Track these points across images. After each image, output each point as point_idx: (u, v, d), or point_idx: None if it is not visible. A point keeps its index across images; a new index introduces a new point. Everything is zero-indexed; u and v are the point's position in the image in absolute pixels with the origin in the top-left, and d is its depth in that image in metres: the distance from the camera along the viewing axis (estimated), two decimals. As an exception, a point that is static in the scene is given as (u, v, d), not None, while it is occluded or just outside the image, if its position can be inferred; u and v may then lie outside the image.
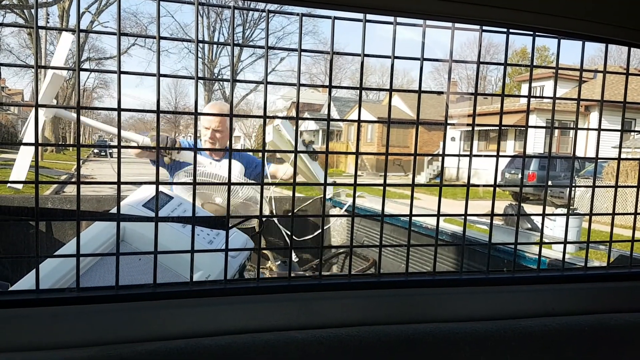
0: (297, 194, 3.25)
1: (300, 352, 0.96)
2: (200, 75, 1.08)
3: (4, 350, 0.87)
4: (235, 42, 0.98)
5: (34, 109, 0.88)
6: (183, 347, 0.91)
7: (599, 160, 1.24)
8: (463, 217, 1.17)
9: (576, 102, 1.20)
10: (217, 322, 0.98)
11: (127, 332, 0.94)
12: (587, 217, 1.25)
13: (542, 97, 1.22)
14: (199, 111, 0.96)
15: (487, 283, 1.17)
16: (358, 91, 1.05)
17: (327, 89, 1.03)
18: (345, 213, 3.55)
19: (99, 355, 0.87)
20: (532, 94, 1.15)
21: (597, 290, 1.24)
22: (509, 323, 1.11)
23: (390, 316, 1.08)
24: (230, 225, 1.11)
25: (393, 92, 1.08)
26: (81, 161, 0.96)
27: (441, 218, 1.16)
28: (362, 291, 1.09)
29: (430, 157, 28.78)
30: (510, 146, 25.17)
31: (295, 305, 1.03)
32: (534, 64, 1.16)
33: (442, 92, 1.15)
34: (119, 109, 0.91)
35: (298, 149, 1.01)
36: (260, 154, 3.40)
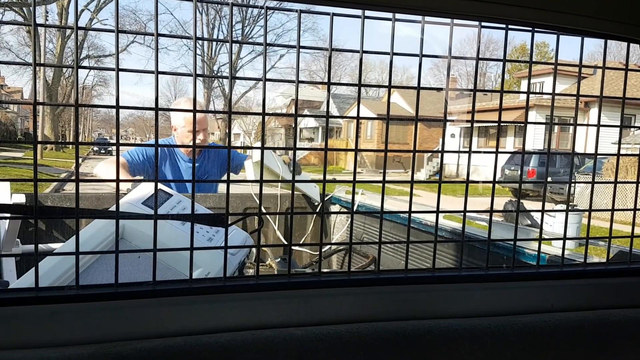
0: (296, 192, 3.25)
1: (299, 349, 0.96)
2: (199, 72, 1.09)
3: (3, 348, 0.87)
4: (234, 39, 0.98)
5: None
6: (182, 344, 0.91)
7: (598, 156, 1.24)
8: (462, 213, 1.17)
9: (575, 98, 1.20)
10: (216, 320, 0.98)
11: (126, 330, 0.94)
12: (587, 213, 1.24)
13: (542, 93, 1.22)
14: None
15: (486, 279, 1.17)
16: (357, 88, 1.05)
17: (327, 86, 1.02)
18: (345, 210, 3.56)
19: (99, 352, 0.87)
20: (531, 90, 1.15)
21: (597, 286, 1.24)
22: (509, 319, 1.11)
23: (390, 313, 1.08)
24: (229, 223, 1.11)
25: (392, 89, 1.08)
26: (80, 159, 0.96)
27: (440, 215, 1.16)
28: (361, 288, 1.09)
29: (429, 154, 28.78)
30: (510, 142, 25.17)
31: (294, 302, 1.03)
32: (533, 60, 1.16)
33: (441, 89, 1.15)
34: (118, 107, 0.91)
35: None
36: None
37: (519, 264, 1.83)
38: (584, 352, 1.13)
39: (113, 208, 1.21)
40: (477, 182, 1.23)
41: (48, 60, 38.48)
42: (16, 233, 2.32)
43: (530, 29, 1.10)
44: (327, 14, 0.98)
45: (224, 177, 3.31)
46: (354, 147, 1.07)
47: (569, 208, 1.27)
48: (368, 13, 0.99)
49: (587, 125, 1.23)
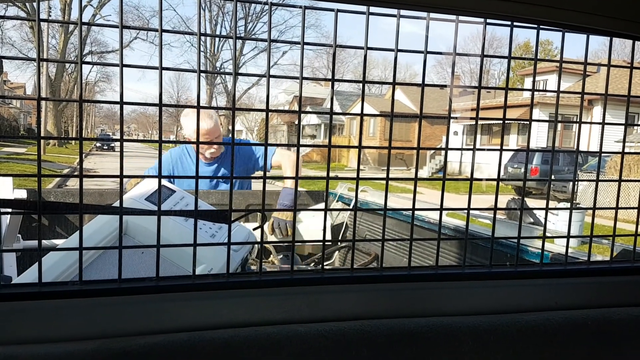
0: (299, 188, 3.25)
1: (302, 345, 0.96)
2: (202, 69, 1.08)
3: (6, 344, 0.87)
4: (238, 36, 0.98)
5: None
6: (185, 340, 0.92)
7: (602, 155, 1.24)
8: (466, 211, 1.17)
9: (579, 95, 1.19)
10: (219, 316, 0.98)
11: (129, 326, 0.94)
12: (590, 211, 1.24)
13: (547, 91, 1.21)
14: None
15: (489, 277, 1.17)
16: (360, 85, 1.05)
17: (330, 83, 1.02)
18: (348, 207, 3.56)
19: (102, 348, 0.88)
20: (535, 88, 1.14)
21: (600, 284, 1.24)
22: (512, 317, 1.11)
23: (393, 310, 1.08)
24: (232, 219, 1.11)
25: (395, 86, 1.08)
26: (83, 154, 0.96)
27: (444, 212, 1.16)
28: (364, 285, 1.09)
29: (432, 151, 28.73)
30: (513, 140, 25.14)
31: (297, 298, 1.03)
32: (538, 57, 1.15)
33: (445, 86, 1.15)
34: (122, 102, 0.91)
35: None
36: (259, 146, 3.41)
37: (523, 262, 1.83)
38: (587, 350, 1.13)
39: (116, 204, 1.21)
40: (481, 179, 1.22)
41: (51, 56, 38.52)
42: (17, 228, 2.33)
43: (536, 26, 1.09)
44: (332, 10, 0.98)
45: (244, 174, 3.31)
46: (356, 144, 1.07)
47: (573, 206, 1.26)
48: (373, 9, 0.99)
49: (591, 123, 1.23)
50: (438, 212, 1.15)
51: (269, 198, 3.39)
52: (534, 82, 1.16)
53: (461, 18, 1.04)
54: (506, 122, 1.14)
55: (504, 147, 1.15)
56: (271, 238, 2.82)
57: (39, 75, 0.90)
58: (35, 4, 0.90)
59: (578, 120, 1.20)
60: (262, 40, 1.02)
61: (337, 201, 3.64)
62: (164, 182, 1.95)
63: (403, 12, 1.00)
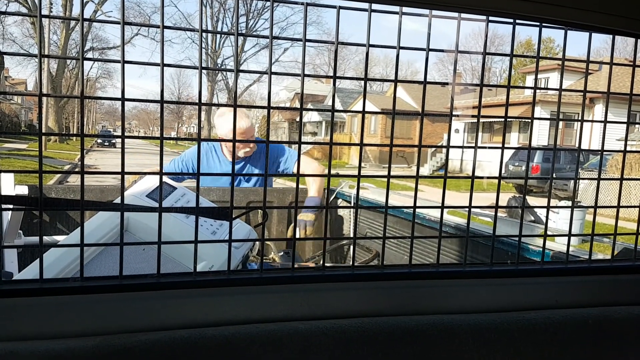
0: (300, 186, 3.25)
1: (303, 342, 0.96)
2: (203, 65, 1.08)
3: (8, 340, 0.87)
4: (239, 32, 0.98)
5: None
6: (186, 337, 0.92)
7: (603, 153, 1.24)
8: (467, 209, 1.17)
9: (581, 94, 1.19)
10: (220, 313, 0.99)
11: (130, 322, 0.94)
12: (590, 209, 1.24)
13: (548, 89, 1.21)
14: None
15: (490, 275, 1.17)
16: (362, 82, 1.04)
17: (331, 80, 1.02)
18: (349, 204, 3.56)
19: (103, 344, 0.88)
20: (537, 86, 1.14)
21: (601, 282, 1.23)
22: (513, 315, 1.11)
23: (394, 308, 1.08)
24: (233, 216, 1.11)
25: (397, 84, 1.08)
26: (85, 151, 0.95)
27: (445, 210, 1.16)
28: (365, 282, 1.09)
29: (433, 149, 28.73)
30: (515, 138, 25.12)
31: (298, 296, 1.03)
32: (540, 55, 1.15)
33: (447, 83, 1.14)
34: (123, 99, 0.91)
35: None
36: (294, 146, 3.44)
37: (523, 260, 1.83)
38: (588, 349, 1.13)
39: (118, 200, 1.21)
40: (482, 177, 1.22)
41: (52, 52, 38.50)
42: (19, 224, 2.33)
43: (538, 24, 1.09)
44: (334, 7, 0.98)
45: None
46: (357, 142, 1.07)
47: (574, 204, 1.26)
48: (375, 7, 0.98)
49: (593, 121, 1.23)
50: (439, 210, 1.15)
51: (270, 196, 3.39)
52: (535, 80, 1.16)
53: (463, 15, 1.04)
54: (508, 120, 1.14)
55: (505, 145, 1.14)
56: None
57: (40, 71, 0.90)
58: (36, 0, 0.89)
59: (580, 118, 1.20)
60: (263, 37, 1.02)
61: (338, 199, 3.64)
62: (165, 178, 1.95)
63: (405, 9, 0.99)
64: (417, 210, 1.12)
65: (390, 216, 2.96)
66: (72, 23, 34.95)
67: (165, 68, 0.93)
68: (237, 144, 3.03)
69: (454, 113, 1.13)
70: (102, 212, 1.61)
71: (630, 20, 1.10)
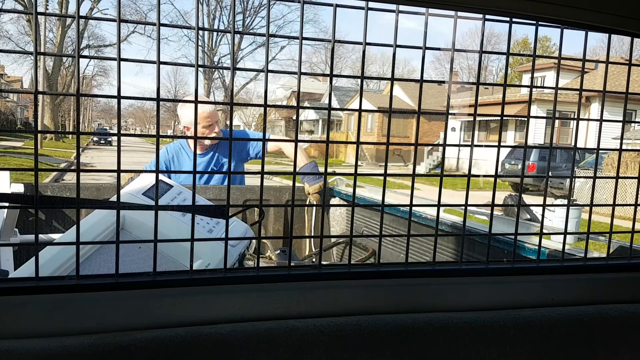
0: (297, 184, 3.26)
1: (300, 340, 0.97)
2: (200, 63, 1.08)
3: (3, 338, 0.87)
4: (236, 30, 0.98)
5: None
6: (183, 335, 0.92)
7: (599, 151, 1.24)
8: (463, 207, 1.17)
9: (577, 92, 1.19)
10: (217, 311, 0.98)
11: (126, 320, 0.94)
12: (586, 208, 1.24)
13: (544, 87, 1.21)
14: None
15: (486, 273, 1.17)
16: (358, 81, 1.04)
17: (328, 78, 1.02)
18: (345, 202, 3.56)
19: (99, 343, 0.88)
20: (533, 85, 1.14)
21: (597, 281, 1.24)
22: (509, 313, 1.11)
23: (390, 306, 1.08)
24: (230, 214, 1.11)
25: (394, 82, 1.08)
26: (80, 149, 0.95)
27: (441, 208, 1.16)
28: (361, 280, 1.09)
29: (430, 148, 28.75)
30: (511, 137, 25.17)
31: (295, 294, 1.03)
32: (536, 54, 1.15)
33: (443, 82, 1.14)
34: (119, 97, 0.91)
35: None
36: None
37: (519, 258, 1.83)
38: (583, 347, 1.13)
39: (114, 198, 1.21)
40: (478, 175, 1.22)
41: (48, 50, 38.36)
42: (14, 223, 2.32)
43: (535, 22, 1.09)
44: (330, 5, 0.97)
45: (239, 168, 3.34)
46: (354, 140, 1.07)
47: (570, 203, 1.27)
48: (371, 5, 0.98)
49: (589, 119, 1.23)
50: (435, 208, 1.15)
51: (266, 194, 3.39)
52: (531, 78, 1.16)
53: (460, 14, 1.04)
54: (504, 118, 1.14)
55: (501, 144, 1.15)
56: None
57: (36, 69, 0.89)
58: (32, -3, 0.89)
59: (576, 117, 1.20)
60: (260, 34, 1.02)
61: (335, 197, 3.64)
62: (162, 177, 1.95)
63: (402, 7, 0.99)
64: (414, 208, 1.12)
65: (387, 214, 2.96)
66: (68, 20, 34.84)
67: (161, 66, 0.93)
68: (201, 130, 3.04)
69: (450, 111, 1.13)
70: (98, 210, 1.60)
71: (626, 19, 1.10)
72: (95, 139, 45.21)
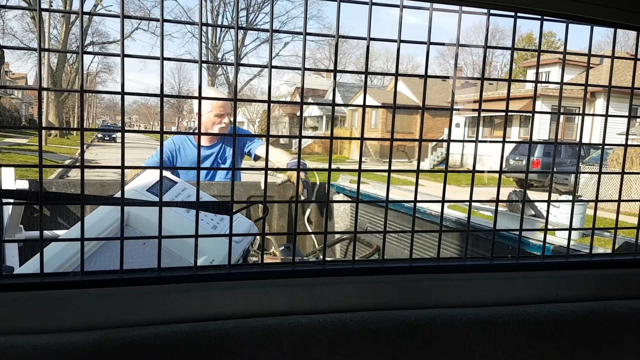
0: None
1: (304, 336, 0.97)
2: (204, 59, 1.07)
3: (8, 333, 0.87)
4: (239, 26, 0.97)
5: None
6: (187, 331, 0.92)
7: (604, 147, 1.23)
8: (467, 203, 1.17)
9: (582, 88, 1.19)
10: (221, 307, 0.99)
11: (131, 316, 0.94)
12: (591, 203, 1.24)
13: (549, 83, 1.21)
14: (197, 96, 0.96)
15: (491, 269, 1.17)
16: (362, 77, 1.04)
17: (332, 74, 1.02)
18: (349, 198, 3.56)
19: (103, 338, 0.88)
20: (538, 80, 1.13)
21: (602, 277, 1.23)
22: (513, 309, 1.11)
23: (394, 302, 1.08)
24: (234, 211, 1.11)
25: (398, 78, 1.07)
26: (85, 145, 0.95)
27: (445, 204, 1.16)
28: (366, 277, 1.09)
29: (434, 144, 28.70)
30: (515, 132, 25.09)
31: (299, 290, 1.03)
32: (541, 49, 1.14)
33: (447, 77, 1.14)
34: (123, 93, 0.91)
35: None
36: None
37: (524, 254, 1.83)
38: (588, 343, 1.13)
39: (118, 195, 1.21)
40: (483, 171, 1.22)
41: (52, 47, 38.44)
42: (19, 219, 2.33)
43: (540, 17, 1.09)
44: (334, 0, 0.97)
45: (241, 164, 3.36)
46: (358, 136, 1.07)
47: (575, 198, 1.26)
48: (375, 0, 0.98)
49: (594, 115, 1.22)
50: (440, 204, 1.15)
51: (270, 190, 3.39)
52: (536, 73, 1.16)
53: (464, 9, 1.03)
54: (508, 114, 1.14)
55: (506, 139, 1.14)
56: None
57: (40, 66, 0.89)
58: (36, -6, 0.89)
59: (581, 112, 1.19)
60: (263, 30, 1.02)
61: (338, 193, 3.64)
62: (166, 173, 1.95)
63: (405, 2, 0.99)
64: (418, 204, 1.12)
65: (391, 210, 2.96)
66: (72, 17, 34.88)
67: (165, 62, 0.93)
68: (212, 119, 3.06)
69: (454, 107, 1.13)
70: (103, 207, 1.61)
71: (631, 13, 1.09)
72: (99, 135, 45.30)
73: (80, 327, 0.91)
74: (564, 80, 1.15)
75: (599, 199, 1.24)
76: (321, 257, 1.11)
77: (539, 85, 1.23)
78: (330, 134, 1.04)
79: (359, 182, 1.10)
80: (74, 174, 14.90)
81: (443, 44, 1.11)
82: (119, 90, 0.90)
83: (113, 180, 3.18)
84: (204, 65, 0.96)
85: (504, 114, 1.12)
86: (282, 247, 2.80)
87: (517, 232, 1.22)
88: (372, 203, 3.24)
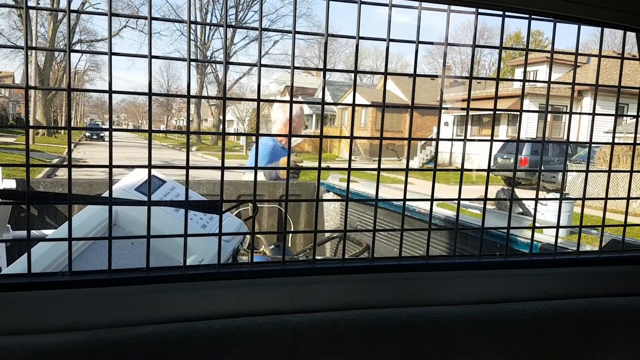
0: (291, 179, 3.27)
1: (294, 335, 0.97)
2: (192, 57, 1.07)
3: None
4: (228, 24, 0.97)
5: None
6: (177, 330, 0.91)
7: (591, 145, 1.24)
8: (456, 201, 1.17)
9: (569, 86, 1.20)
10: (210, 306, 0.98)
11: (120, 316, 0.93)
12: (579, 201, 1.25)
13: (537, 81, 1.22)
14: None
15: (479, 267, 1.17)
16: (352, 75, 1.04)
17: (321, 73, 1.02)
18: (339, 197, 3.56)
19: (92, 339, 0.87)
20: (526, 79, 1.14)
21: (589, 274, 1.25)
22: (502, 307, 1.12)
23: (384, 300, 1.09)
24: (223, 210, 1.11)
25: (387, 77, 1.08)
26: (72, 144, 0.94)
27: (434, 203, 1.16)
28: (355, 275, 1.09)
29: (423, 142, 28.80)
30: (503, 131, 25.23)
31: (289, 289, 1.03)
32: (529, 48, 1.15)
33: (436, 76, 1.14)
34: (110, 91, 0.90)
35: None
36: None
37: (512, 252, 1.84)
38: (576, 339, 1.14)
39: (106, 194, 1.20)
40: (472, 170, 1.23)
41: (40, 45, 38.05)
42: (6, 219, 2.31)
43: (527, 16, 1.09)
44: (323, -1, 0.97)
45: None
46: (348, 135, 1.07)
47: (562, 196, 1.27)
48: None
49: (581, 113, 1.23)
50: (429, 202, 1.15)
51: (260, 189, 3.38)
52: (524, 72, 1.16)
53: (453, 8, 1.04)
54: (497, 112, 1.14)
55: (494, 138, 1.15)
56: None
57: (27, 64, 0.89)
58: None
59: (568, 110, 1.20)
60: (253, 28, 1.02)
61: (328, 191, 3.65)
62: (154, 172, 1.94)
63: (394, 1, 0.99)
64: (407, 202, 1.12)
65: (381, 209, 2.96)
66: (60, 15, 34.60)
67: (153, 60, 0.92)
68: (275, 119, 3.56)
69: (443, 106, 1.13)
70: (91, 206, 1.60)
71: (618, 12, 1.10)
72: (87, 134, 44.95)
73: (68, 327, 0.90)
74: (552, 79, 1.16)
75: (587, 196, 1.25)
76: (311, 255, 1.12)
77: (526, 84, 1.24)
78: (320, 132, 1.04)
79: (348, 181, 1.10)
80: (62, 173, 14.78)
81: (432, 43, 1.11)
82: (107, 88, 0.90)
83: (101, 180, 3.16)
84: (193, 63, 0.96)
85: (492, 112, 1.13)
86: (272, 246, 2.80)
87: (505, 230, 1.22)
88: (362, 202, 3.25)
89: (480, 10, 1.06)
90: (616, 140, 1.30)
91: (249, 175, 3.57)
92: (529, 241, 1.33)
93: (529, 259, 1.23)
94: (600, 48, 1.20)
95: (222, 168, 1.01)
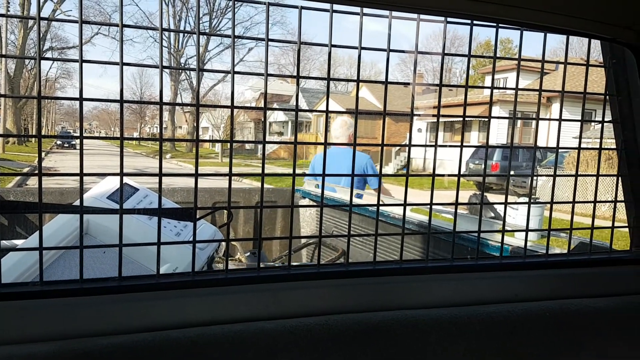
0: (266, 185, 3.26)
1: (270, 341, 0.97)
2: (165, 64, 1.07)
3: None
4: (201, 31, 0.97)
5: None
6: (150, 340, 0.91)
7: (560, 151, 1.27)
8: (429, 206, 1.19)
9: (538, 93, 1.23)
10: (185, 315, 0.98)
11: (92, 326, 0.92)
12: (549, 205, 1.28)
13: (505, 88, 1.25)
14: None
15: (452, 270, 1.19)
16: (326, 82, 1.05)
17: (296, 80, 1.02)
18: (314, 203, 3.57)
19: (64, 349, 0.86)
20: (495, 86, 1.17)
21: (558, 276, 1.27)
22: (474, 309, 1.13)
23: (359, 304, 1.09)
24: (197, 217, 1.11)
25: (361, 84, 1.09)
26: (43, 153, 0.93)
27: (408, 207, 1.18)
28: (330, 280, 1.10)
29: (397, 148, 29.01)
30: (475, 137, 25.57)
31: (264, 295, 1.03)
32: (498, 55, 1.18)
33: (408, 84, 1.16)
34: (81, 99, 0.89)
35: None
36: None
37: (483, 255, 1.87)
38: (546, 340, 1.16)
39: (77, 203, 1.19)
40: (443, 175, 1.25)
41: (10, 52, 37.36)
42: None
43: (495, 24, 1.12)
44: (296, 7, 0.98)
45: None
46: (322, 141, 1.08)
47: (531, 200, 1.30)
48: (336, 7, 0.99)
49: (549, 119, 1.26)
50: (402, 207, 1.17)
51: (235, 196, 3.37)
52: (492, 80, 1.19)
53: (422, 17, 1.06)
54: (467, 119, 1.17)
55: (464, 144, 1.17)
56: None
57: (-4, 71, 0.88)
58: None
59: (536, 117, 1.23)
60: (226, 36, 1.02)
61: (304, 198, 3.65)
62: (126, 179, 1.92)
63: (365, 10, 1.01)
64: (382, 208, 1.14)
65: (356, 214, 2.98)
66: (30, 22, 34.01)
67: (126, 67, 0.92)
68: (339, 135, 3.79)
69: (415, 113, 1.15)
70: (62, 215, 1.57)
71: (582, 20, 1.14)
72: (58, 142, 44.17)
73: (40, 337, 0.89)
74: (521, 86, 1.19)
75: (556, 200, 1.28)
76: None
77: (496, 91, 1.27)
78: (295, 139, 1.05)
79: (323, 187, 1.11)
80: (33, 182, 14.49)
81: (402, 51, 1.13)
82: (78, 95, 0.89)
83: (72, 188, 3.11)
84: (166, 70, 0.96)
85: (462, 119, 1.15)
86: (248, 253, 2.79)
87: (476, 234, 1.25)
88: (338, 207, 3.26)
89: (448, 19, 1.08)
90: (585, 146, 1.33)
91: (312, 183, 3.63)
92: (500, 245, 1.35)
93: (500, 262, 1.25)
94: (566, 55, 1.24)
95: (196, 175, 1.01)
